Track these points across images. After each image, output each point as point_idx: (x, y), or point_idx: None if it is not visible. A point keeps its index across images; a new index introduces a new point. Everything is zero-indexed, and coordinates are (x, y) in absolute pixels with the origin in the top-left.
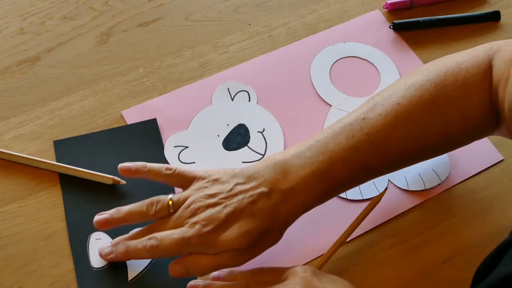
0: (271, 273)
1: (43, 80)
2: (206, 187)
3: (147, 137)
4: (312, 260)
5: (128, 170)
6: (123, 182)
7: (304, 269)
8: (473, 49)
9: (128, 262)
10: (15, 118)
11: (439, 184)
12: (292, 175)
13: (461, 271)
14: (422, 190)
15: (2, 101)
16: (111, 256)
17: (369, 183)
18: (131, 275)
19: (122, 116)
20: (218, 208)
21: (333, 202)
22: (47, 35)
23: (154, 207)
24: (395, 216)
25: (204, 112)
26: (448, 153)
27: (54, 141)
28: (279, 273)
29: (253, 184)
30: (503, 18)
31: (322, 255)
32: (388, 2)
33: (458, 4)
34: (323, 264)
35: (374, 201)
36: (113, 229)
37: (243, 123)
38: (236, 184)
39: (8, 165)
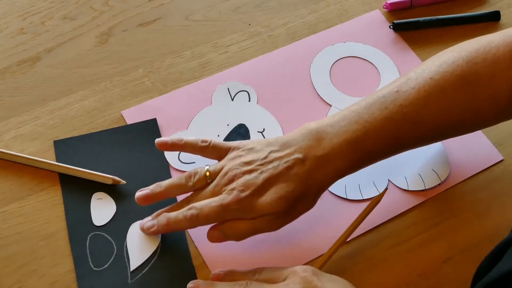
0: (271, 273)
1: (43, 80)
2: (241, 155)
3: (147, 137)
4: (312, 260)
5: (165, 144)
6: (123, 182)
7: (304, 269)
8: (506, 30)
9: (128, 263)
10: (15, 118)
11: (439, 184)
12: (327, 142)
13: (461, 271)
14: (422, 190)
15: (2, 101)
16: (154, 229)
17: (369, 183)
18: (131, 274)
19: (122, 116)
20: (254, 174)
21: (333, 202)
22: (47, 35)
23: (192, 179)
24: (395, 216)
25: (204, 112)
26: (448, 153)
27: (54, 141)
28: (279, 273)
29: (287, 151)
30: (503, 18)
31: (322, 255)
32: (388, 2)
33: (458, 4)
34: (324, 264)
35: (374, 201)
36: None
37: (243, 123)
38: (270, 152)
39: (8, 165)
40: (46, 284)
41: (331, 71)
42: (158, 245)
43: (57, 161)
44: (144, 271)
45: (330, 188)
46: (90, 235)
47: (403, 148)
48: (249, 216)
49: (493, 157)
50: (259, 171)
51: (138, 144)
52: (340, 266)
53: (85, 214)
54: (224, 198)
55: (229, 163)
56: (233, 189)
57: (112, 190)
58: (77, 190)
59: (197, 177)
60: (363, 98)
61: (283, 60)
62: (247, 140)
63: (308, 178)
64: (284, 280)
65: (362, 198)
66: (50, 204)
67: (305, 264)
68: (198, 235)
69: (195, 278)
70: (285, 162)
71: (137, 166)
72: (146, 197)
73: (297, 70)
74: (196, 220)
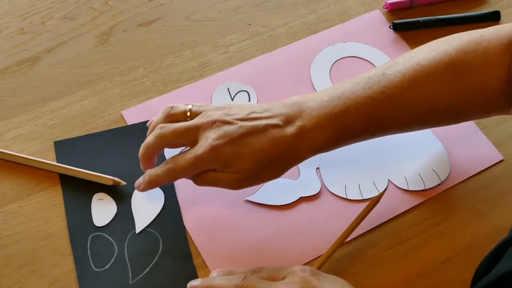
0: (270, 272)
1: (43, 80)
2: (224, 107)
3: None
4: (312, 260)
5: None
6: (123, 183)
7: (303, 269)
8: (499, 25)
9: (129, 264)
10: (15, 118)
11: (439, 184)
12: (307, 114)
13: (461, 271)
14: (422, 190)
15: (2, 101)
16: (141, 187)
17: (369, 183)
18: (134, 277)
19: (122, 116)
20: (232, 126)
21: (333, 202)
22: (47, 35)
23: (171, 109)
24: (395, 216)
25: None
26: (448, 153)
27: (54, 141)
28: (278, 272)
29: (268, 114)
30: (503, 18)
31: (322, 255)
32: (388, 2)
33: (458, 4)
34: (323, 264)
35: (373, 201)
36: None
37: None
38: (252, 112)
39: (8, 165)
40: (46, 284)
41: (331, 71)
42: (160, 210)
43: (57, 162)
44: (145, 272)
45: (330, 188)
46: (91, 236)
47: (383, 130)
48: (220, 167)
49: (493, 157)
50: (238, 125)
51: (138, 145)
52: (340, 266)
53: (85, 215)
54: (197, 149)
55: (211, 110)
56: (207, 138)
57: (112, 191)
58: (78, 191)
59: (176, 109)
60: (350, 78)
61: (283, 60)
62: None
63: (283, 144)
64: (283, 279)
65: (362, 198)
66: (50, 204)
67: (305, 264)
68: (198, 235)
69: (196, 278)
70: (265, 124)
71: (137, 167)
72: (144, 165)
73: (297, 70)
74: (173, 174)
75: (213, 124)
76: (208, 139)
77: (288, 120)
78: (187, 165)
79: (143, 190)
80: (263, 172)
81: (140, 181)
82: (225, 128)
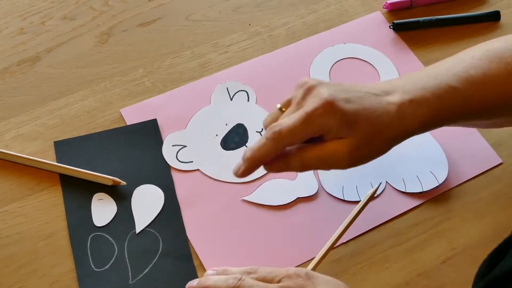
0: (264, 273)
1: (43, 80)
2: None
3: (147, 138)
4: (308, 261)
5: None
6: (123, 183)
7: (298, 272)
8: (502, 37)
9: (129, 264)
10: (15, 118)
11: (436, 186)
12: (401, 87)
13: (461, 271)
14: (420, 192)
15: (2, 101)
16: (242, 169)
17: (367, 184)
18: (134, 277)
19: (122, 116)
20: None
21: (330, 203)
22: (47, 35)
23: (267, 118)
24: (395, 216)
25: (203, 111)
26: (447, 155)
27: (54, 141)
28: (273, 274)
29: (365, 87)
30: (503, 18)
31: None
32: (388, 2)
33: (458, 4)
34: (317, 264)
35: (368, 197)
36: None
37: (241, 123)
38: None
39: (8, 165)
40: (46, 284)
41: (330, 72)
42: (160, 211)
43: (57, 162)
44: (145, 272)
45: (327, 189)
46: (91, 236)
47: (469, 114)
48: (336, 127)
49: (491, 160)
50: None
51: (138, 144)
52: (340, 266)
53: (86, 215)
54: (307, 106)
55: (318, 85)
56: (317, 95)
57: (112, 191)
58: (78, 191)
59: (269, 117)
60: (420, 70)
61: (283, 60)
62: None
63: (390, 110)
64: (278, 282)
65: (359, 200)
66: (50, 204)
67: (301, 265)
68: (196, 236)
69: (196, 278)
70: (365, 92)
71: (137, 167)
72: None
73: (296, 70)
74: (279, 138)
75: (323, 83)
76: (321, 95)
77: (387, 92)
78: (298, 124)
79: (245, 171)
80: (374, 141)
81: (239, 163)
82: (338, 87)
